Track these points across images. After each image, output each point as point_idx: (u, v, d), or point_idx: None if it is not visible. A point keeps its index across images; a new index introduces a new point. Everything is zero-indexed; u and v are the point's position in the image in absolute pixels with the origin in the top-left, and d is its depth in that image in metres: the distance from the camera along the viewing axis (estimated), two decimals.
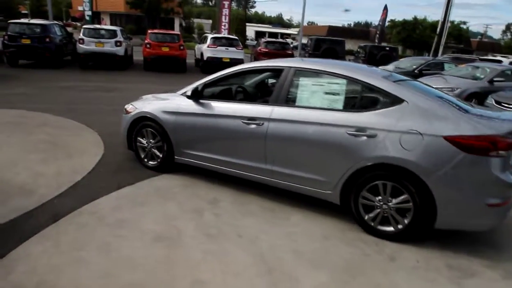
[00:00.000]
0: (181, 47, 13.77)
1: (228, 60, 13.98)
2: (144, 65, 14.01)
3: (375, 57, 15.44)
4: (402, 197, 3.03)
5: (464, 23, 47.65)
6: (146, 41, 13.65)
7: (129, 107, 4.48)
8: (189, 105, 3.95)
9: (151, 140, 4.32)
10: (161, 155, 4.28)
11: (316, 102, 3.40)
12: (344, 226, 3.35)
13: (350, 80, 3.32)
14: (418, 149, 2.88)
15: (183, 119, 3.99)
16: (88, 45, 12.82)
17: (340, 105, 3.30)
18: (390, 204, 3.10)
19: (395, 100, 3.11)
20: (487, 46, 50.90)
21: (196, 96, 3.88)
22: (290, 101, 3.52)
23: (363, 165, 3.11)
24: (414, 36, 37.61)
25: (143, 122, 4.29)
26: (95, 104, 8.00)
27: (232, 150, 3.78)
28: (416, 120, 2.97)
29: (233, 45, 14.26)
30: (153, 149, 4.34)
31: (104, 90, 9.74)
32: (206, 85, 3.97)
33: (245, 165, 3.74)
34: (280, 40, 14.71)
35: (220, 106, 3.82)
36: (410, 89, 3.21)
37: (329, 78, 3.40)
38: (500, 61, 14.80)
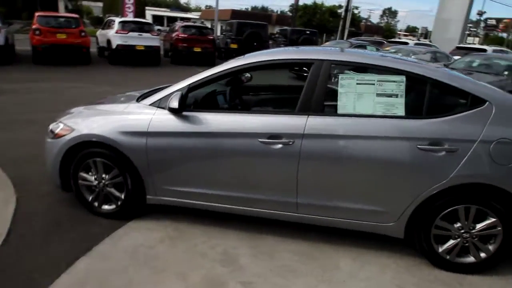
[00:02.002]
0: (83, 33, 11.36)
1: (142, 48, 12.08)
2: (33, 57, 11.18)
3: (297, 41, 15.14)
4: (489, 221, 2.38)
5: (357, 8, 51.71)
6: (34, 27, 10.87)
7: (59, 127, 2.92)
8: (169, 121, 2.64)
9: (104, 176, 2.88)
10: (122, 196, 2.88)
11: (367, 108, 2.45)
12: (407, 264, 2.56)
13: (413, 78, 2.45)
14: None
15: (161, 142, 2.66)
16: None
17: (401, 111, 2.42)
18: (473, 231, 2.40)
19: (475, 101, 2.36)
20: (373, 29, 56.07)
21: (182, 108, 2.58)
22: (329, 108, 2.52)
23: (441, 187, 2.32)
24: (315, 20, 39.11)
25: (89, 150, 2.81)
26: None
27: (242, 182, 2.64)
28: (507, 125, 2.28)
29: (147, 30, 12.34)
30: (108, 188, 2.91)
31: None
32: (191, 89, 2.70)
33: (262, 200, 2.65)
34: (200, 24, 13.28)
35: (220, 120, 2.60)
36: (487, 86, 2.50)
37: (382, 75, 2.48)
38: (406, 43, 15.81)
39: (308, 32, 15.51)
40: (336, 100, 2.48)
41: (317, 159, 2.46)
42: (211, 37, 13.78)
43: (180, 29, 13.37)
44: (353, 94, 2.47)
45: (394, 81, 2.44)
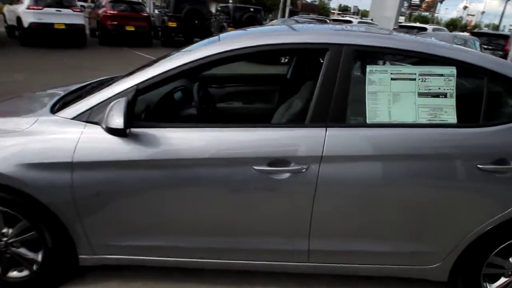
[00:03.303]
0: None
1: (63, 27, 10.20)
2: None
3: (241, 19, 14.08)
4: None
5: None
6: None
7: None
8: (108, 145, 1.64)
9: (6, 230, 1.83)
10: (39, 257, 1.87)
11: (406, 114, 1.70)
12: None
13: (468, 70, 1.75)
14: None
15: (95, 177, 1.67)
16: None
17: (452, 116, 1.71)
18: None
19: None
20: (309, 8, 56.43)
21: (129, 124, 1.60)
22: (354, 115, 1.73)
23: (505, 217, 1.71)
24: None
25: None
26: None
27: (229, 228, 1.79)
28: None
29: (67, 6, 10.42)
30: (13, 248, 1.86)
31: None
32: (141, 92, 1.72)
33: (258, 250, 1.83)
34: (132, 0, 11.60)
35: (190, 140, 1.68)
36: None
37: (423, 66, 1.74)
38: (350, 21, 15.56)
39: (252, 9, 14.48)
40: (363, 104, 1.70)
41: (340, 189, 1.69)
42: (146, 14, 12.20)
43: (108, 4, 11.58)
44: (387, 94, 1.71)
45: (441, 75, 1.71)
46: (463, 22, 72.29)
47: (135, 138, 1.63)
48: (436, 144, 1.68)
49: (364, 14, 51.99)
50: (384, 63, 1.83)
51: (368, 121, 1.69)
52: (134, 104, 1.67)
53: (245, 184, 1.67)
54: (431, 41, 2.02)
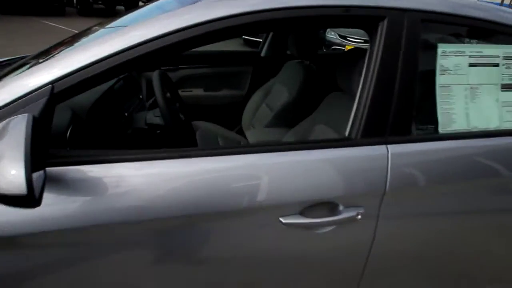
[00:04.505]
0: None
1: None
2: None
3: None
4: None
5: None
6: None
7: None
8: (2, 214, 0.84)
9: None
10: None
11: (488, 117, 1.16)
12: None
13: None
14: None
15: None
16: None
17: None
18: None
19: None
20: None
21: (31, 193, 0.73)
22: (421, 123, 1.13)
23: None
24: None
25: None
26: None
27: None
28: None
29: None
30: None
31: None
32: (61, 97, 0.91)
33: None
34: None
35: (165, 181, 0.92)
36: None
37: (506, 46, 1.18)
38: None
39: None
40: (432, 103, 1.11)
41: (408, 234, 1.11)
42: None
43: None
44: (464, 88, 1.13)
45: None
46: None
47: (55, 188, 0.85)
48: None
49: None
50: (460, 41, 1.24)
51: (440, 130, 1.11)
52: (50, 121, 0.88)
53: (264, 250, 1.00)
54: None
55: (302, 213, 0.98)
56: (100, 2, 11.20)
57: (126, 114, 1.45)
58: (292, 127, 1.79)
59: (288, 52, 2.40)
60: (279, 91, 2.18)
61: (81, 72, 0.88)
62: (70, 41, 1.25)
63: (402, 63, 1.04)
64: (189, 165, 0.93)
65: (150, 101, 1.69)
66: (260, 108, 2.27)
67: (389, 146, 1.04)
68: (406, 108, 1.06)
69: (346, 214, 0.99)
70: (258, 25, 1.01)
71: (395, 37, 1.04)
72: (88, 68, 0.88)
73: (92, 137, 1.13)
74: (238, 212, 0.95)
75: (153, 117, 1.32)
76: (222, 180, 0.94)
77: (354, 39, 6.94)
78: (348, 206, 1.01)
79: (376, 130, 1.04)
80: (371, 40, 1.07)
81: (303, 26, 1.46)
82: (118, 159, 0.89)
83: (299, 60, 2.20)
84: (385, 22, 1.04)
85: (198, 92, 2.44)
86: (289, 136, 1.68)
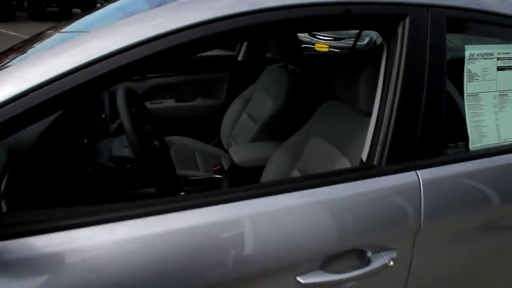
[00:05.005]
0: None
1: None
2: None
3: None
4: None
5: None
6: None
7: None
8: None
9: None
10: None
11: None
12: None
13: None
14: None
15: None
16: None
17: None
18: None
19: None
20: None
21: None
22: (450, 140, 0.95)
23: None
24: None
25: None
26: None
27: None
28: None
29: None
30: None
31: None
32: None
33: None
34: None
35: (146, 248, 0.68)
36: None
37: None
38: None
39: None
40: (460, 116, 0.94)
41: (444, 273, 0.94)
42: None
43: None
44: (493, 96, 0.97)
45: None
46: None
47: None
48: None
49: None
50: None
51: (471, 146, 0.94)
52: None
53: None
54: None
55: (323, 267, 0.77)
56: (54, 5, 10.51)
57: (85, 140, 1.19)
58: (280, 140, 1.59)
59: (268, 55, 2.20)
60: (262, 100, 1.98)
61: (31, 93, 0.62)
62: (21, 46, 0.98)
63: (429, 71, 0.86)
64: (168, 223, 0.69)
65: (115, 125, 1.42)
66: (240, 118, 2.06)
67: (418, 171, 0.86)
68: (435, 125, 0.88)
69: (376, 263, 0.79)
70: (252, 29, 0.79)
71: (420, 39, 0.86)
72: (44, 87, 0.62)
73: (38, 185, 0.86)
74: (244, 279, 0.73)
75: (120, 148, 1.06)
76: (223, 240, 0.71)
77: (324, 37, 6.83)
78: (377, 251, 0.81)
79: (403, 154, 0.85)
80: (388, 44, 0.88)
81: (303, 27, 1.25)
82: (79, 223, 0.64)
83: (282, 63, 2.00)
84: (407, 21, 0.85)
85: (169, 103, 2.20)
86: (280, 153, 1.47)
